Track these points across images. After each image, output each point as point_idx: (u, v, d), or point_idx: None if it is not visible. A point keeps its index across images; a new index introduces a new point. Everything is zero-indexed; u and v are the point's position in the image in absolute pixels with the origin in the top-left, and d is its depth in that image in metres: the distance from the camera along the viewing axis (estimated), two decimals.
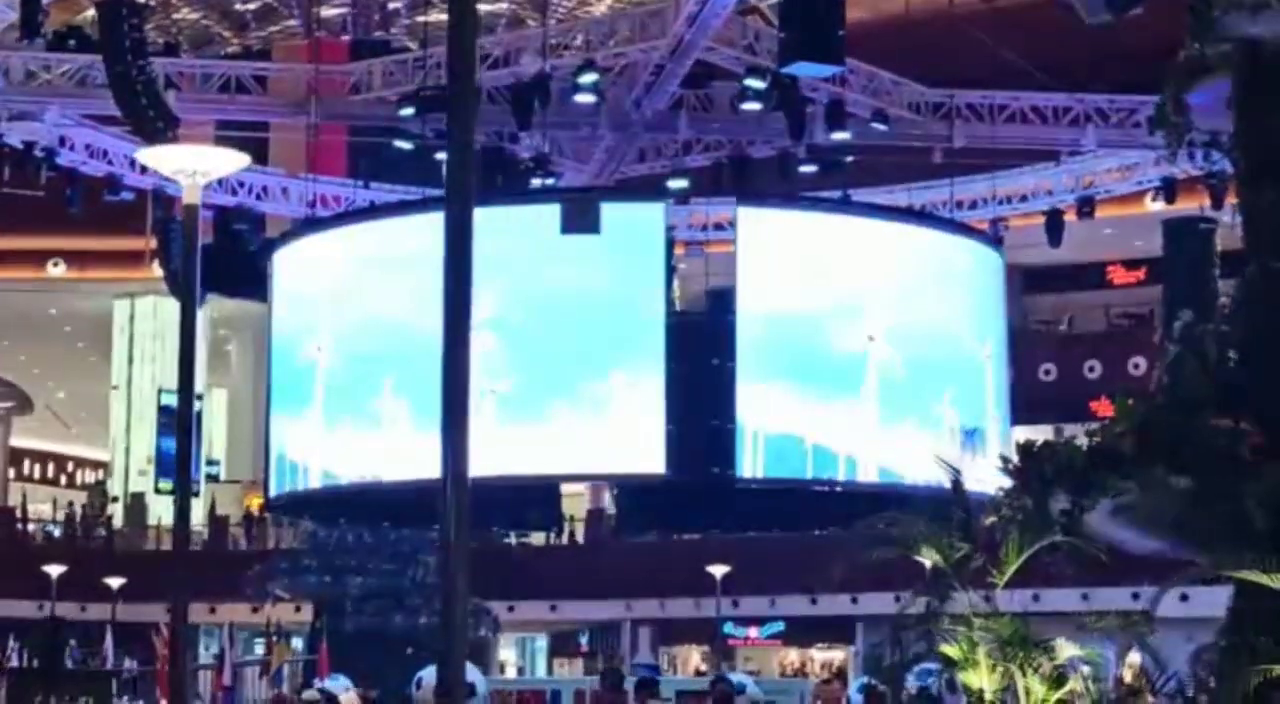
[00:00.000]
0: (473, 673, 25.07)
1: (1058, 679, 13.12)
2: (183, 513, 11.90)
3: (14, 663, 39.43)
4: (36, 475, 69.86)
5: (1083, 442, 12.47)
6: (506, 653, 51.25)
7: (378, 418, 24.60)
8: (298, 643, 42.87)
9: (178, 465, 12.03)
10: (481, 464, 24.41)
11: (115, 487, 53.58)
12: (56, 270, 51.83)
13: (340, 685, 23.57)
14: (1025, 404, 32.58)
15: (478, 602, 38.47)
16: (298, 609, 40.91)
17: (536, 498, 27.57)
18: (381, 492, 25.52)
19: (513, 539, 47.35)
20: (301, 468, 26.26)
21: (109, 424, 53.20)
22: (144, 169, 32.24)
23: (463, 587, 8.46)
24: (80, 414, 61.04)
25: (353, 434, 24.85)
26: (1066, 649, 13.53)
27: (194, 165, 10.43)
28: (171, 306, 40.56)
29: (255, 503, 47.71)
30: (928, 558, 14.34)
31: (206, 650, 46.28)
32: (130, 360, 52.89)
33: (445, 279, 8.52)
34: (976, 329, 27.08)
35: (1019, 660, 13.39)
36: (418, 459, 23.87)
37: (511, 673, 48.42)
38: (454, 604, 8.43)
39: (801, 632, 44.93)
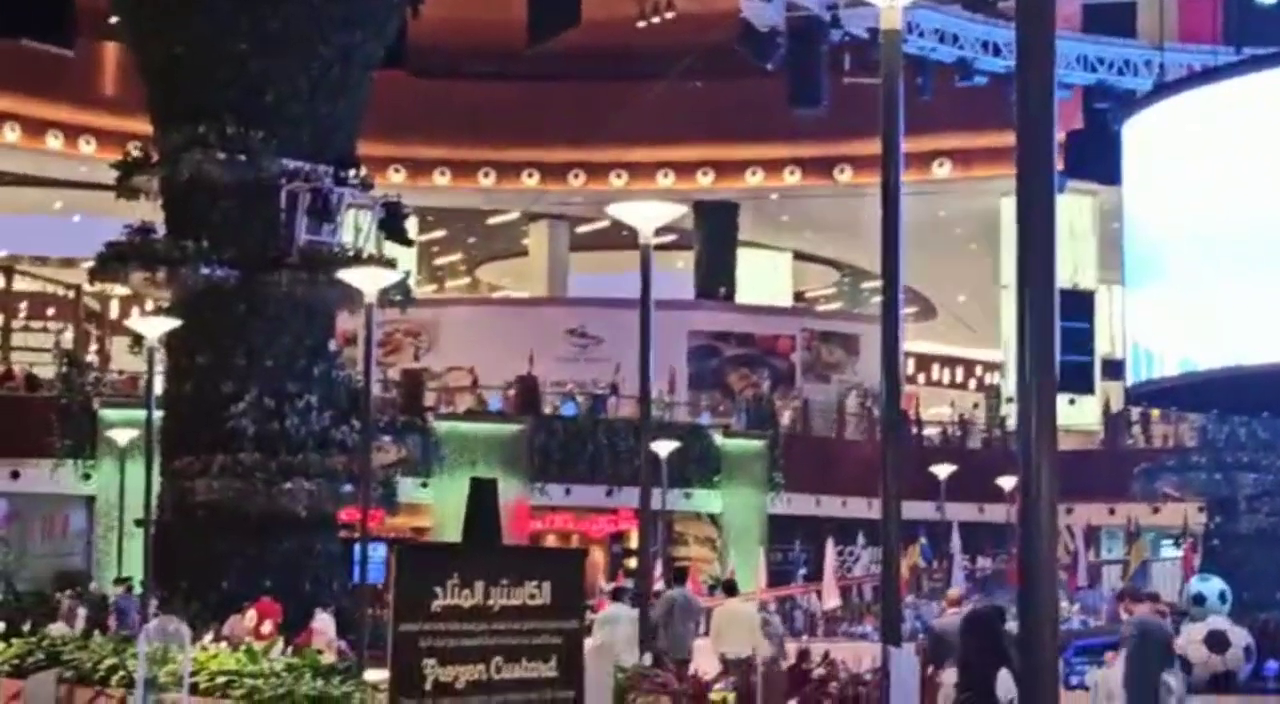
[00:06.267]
0: None
1: None
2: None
3: None
4: (945, 380, 70.85)
5: None
6: None
7: (1234, 299, 22.11)
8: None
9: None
10: None
11: (1009, 387, 53.00)
12: (942, 171, 51.93)
13: (1212, 588, 21.38)
14: None
15: None
16: (1200, 509, 38.96)
17: None
18: (1246, 378, 22.88)
19: None
20: (1158, 356, 24.16)
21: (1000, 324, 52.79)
22: (997, 51, 30.96)
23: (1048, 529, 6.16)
24: (979, 316, 60.92)
25: (1208, 316, 22.45)
26: None
27: None
28: (1064, 200, 39.24)
29: None
30: None
31: (1109, 552, 45.23)
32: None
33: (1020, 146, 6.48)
34: None
35: None
36: None
37: None
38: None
39: None
